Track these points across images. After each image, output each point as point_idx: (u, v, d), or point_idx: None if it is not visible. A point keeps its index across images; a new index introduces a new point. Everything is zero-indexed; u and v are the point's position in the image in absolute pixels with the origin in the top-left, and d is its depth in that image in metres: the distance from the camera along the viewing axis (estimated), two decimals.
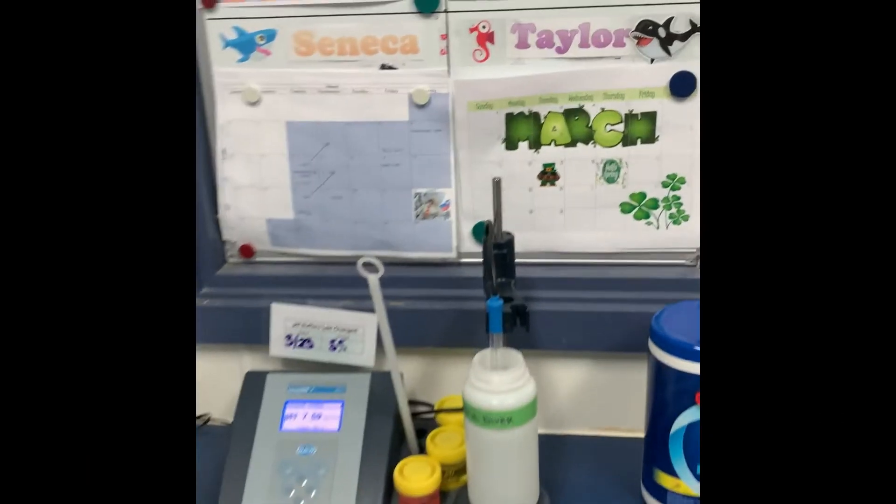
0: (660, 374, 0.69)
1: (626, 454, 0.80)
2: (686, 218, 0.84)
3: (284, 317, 0.84)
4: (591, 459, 0.84)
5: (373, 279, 0.71)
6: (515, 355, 0.69)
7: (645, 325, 0.72)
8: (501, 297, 0.66)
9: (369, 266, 0.71)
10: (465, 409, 0.69)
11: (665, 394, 0.69)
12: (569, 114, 0.81)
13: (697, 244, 0.84)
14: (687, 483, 0.70)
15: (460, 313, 0.85)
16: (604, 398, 0.89)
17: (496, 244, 0.68)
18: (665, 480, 0.72)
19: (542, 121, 0.81)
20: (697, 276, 0.82)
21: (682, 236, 0.84)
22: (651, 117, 0.81)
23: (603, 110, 0.81)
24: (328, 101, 0.83)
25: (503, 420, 0.67)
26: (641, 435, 0.75)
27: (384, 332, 0.75)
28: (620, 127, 0.81)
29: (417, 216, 0.87)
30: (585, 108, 0.81)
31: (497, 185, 0.70)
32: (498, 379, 0.67)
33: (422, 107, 0.81)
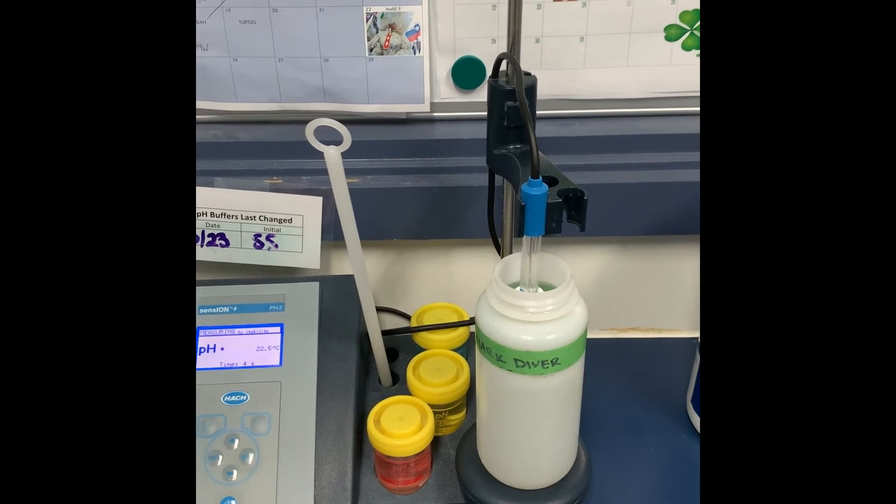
0: None
1: (654, 362, 0.66)
2: None
3: None
4: (614, 371, 0.65)
5: (333, 155, 0.44)
6: (558, 266, 0.46)
7: (693, 196, 0.60)
8: (544, 180, 0.41)
9: (327, 132, 0.43)
10: (482, 344, 0.46)
11: None
12: None
13: None
14: None
15: (438, 191, 0.61)
16: (628, 292, 0.69)
17: (515, 92, 0.42)
18: None
19: None
20: None
21: None
22: None
23: None
24: None
25: (544, 363, 0.44)
26: (671, 335, 0.68)
27: (346, 224, 0.49)
28: None
29: (372, 49, 0.59)
30: None
31: None
32: (536, 305, 0.44)
33: None
